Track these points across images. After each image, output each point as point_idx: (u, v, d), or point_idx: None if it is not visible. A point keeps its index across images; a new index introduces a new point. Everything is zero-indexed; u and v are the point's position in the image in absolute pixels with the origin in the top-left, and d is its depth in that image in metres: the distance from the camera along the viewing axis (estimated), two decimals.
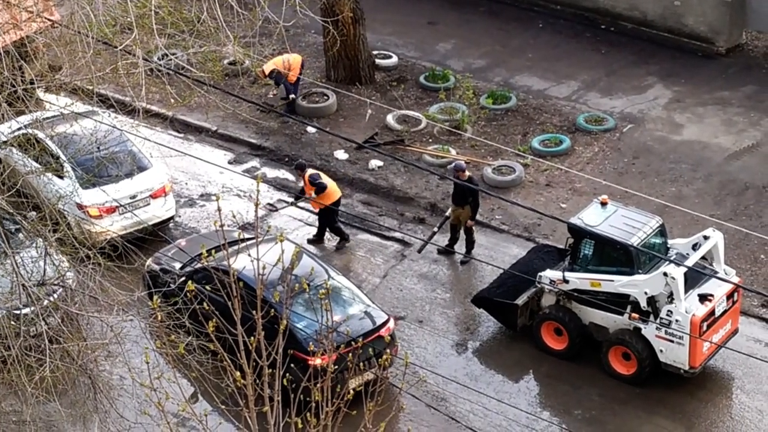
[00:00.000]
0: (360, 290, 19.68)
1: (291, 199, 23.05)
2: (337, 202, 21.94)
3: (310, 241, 22.45)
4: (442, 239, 22.46)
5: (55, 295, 15.58)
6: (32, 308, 14.49)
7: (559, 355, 19.72)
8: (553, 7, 29.84)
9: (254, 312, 10.69)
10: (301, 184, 22.33)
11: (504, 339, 20.38)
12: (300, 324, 17.78)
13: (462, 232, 22.10)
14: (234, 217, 22.76)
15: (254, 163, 25.45)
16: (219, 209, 10.71)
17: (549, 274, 19.61)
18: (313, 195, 21.76)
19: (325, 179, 22.06)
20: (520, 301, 19.77)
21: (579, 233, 19.15)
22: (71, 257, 15.59)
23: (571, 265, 19.42)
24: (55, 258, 15.62)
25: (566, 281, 19.24)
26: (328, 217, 22.12)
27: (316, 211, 22.34)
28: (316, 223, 22.67)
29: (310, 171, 22.13)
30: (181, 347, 11.26)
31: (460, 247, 22.26)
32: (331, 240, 22.53)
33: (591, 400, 19.03)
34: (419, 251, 22.16)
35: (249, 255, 10.63)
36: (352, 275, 21.37)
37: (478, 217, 22.18)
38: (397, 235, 22.87)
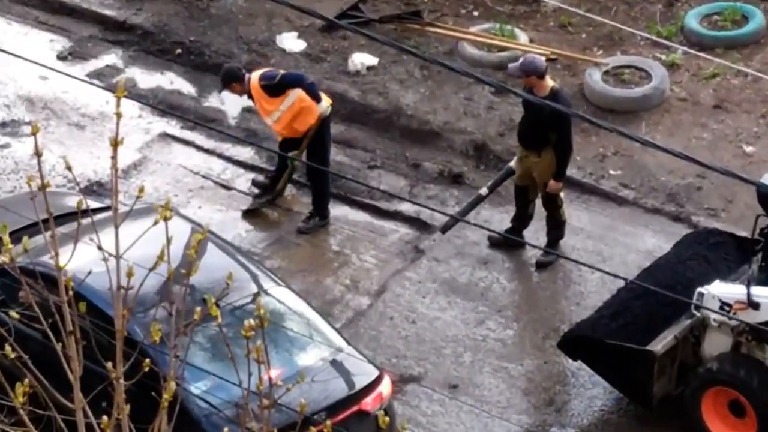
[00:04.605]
0: (325, 320, 16.78)
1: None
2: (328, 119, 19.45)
3: (255, 197, 19.88)
4: (504, 219, 18.93)
5: None
6: None
7: None
8: None
9: (106, 362, 9.16)
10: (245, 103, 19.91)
11: (625, 422, 17.22)
12: (201, 386, 15.31)
13: (539, 202, 18.98)
14: (69, 168, 18.35)
15: (111, 57, 22.49)
16: (37, 152, 8.37)
17: (719, 290, 16.84)
18: (311, 105, 18.68)
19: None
20: (660, 345, 16.85)
21: None
22: None
23: (765, 271, 16.83)
24: None
25: (754, 305, 16.42)
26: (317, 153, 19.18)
27: (280, 140, 19.46)
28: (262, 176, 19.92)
29: (256, 73, 19.46)
30: None
31: (534, 234, 18.81)
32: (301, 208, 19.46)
33: None
34: (443, 231, 19.02)
35: (99, 246, 8.87)
36: (314, 288, 18.43)
37: (570, 171, 19.08)
38: (406, 207, 19.41)
